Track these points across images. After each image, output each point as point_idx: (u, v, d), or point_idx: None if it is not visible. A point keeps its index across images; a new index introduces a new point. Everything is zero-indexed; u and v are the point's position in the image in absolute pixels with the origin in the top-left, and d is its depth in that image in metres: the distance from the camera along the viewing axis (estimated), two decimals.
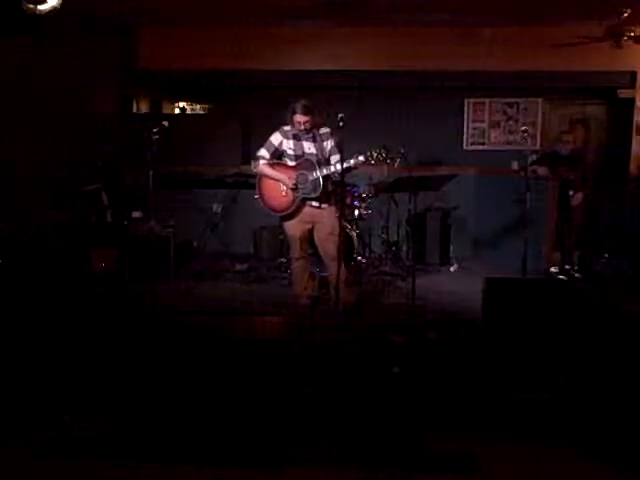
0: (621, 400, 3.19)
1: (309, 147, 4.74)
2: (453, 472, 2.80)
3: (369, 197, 6.28)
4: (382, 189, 6.21)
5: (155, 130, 4.95)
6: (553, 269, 6.38)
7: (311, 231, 4.89)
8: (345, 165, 4.54)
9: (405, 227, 6.78)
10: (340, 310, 4.65)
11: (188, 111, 8.81)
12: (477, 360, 3.70)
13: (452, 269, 6.75)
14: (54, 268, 5.06)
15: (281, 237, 6.51)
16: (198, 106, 8.84)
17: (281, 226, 6.26)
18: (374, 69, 7.29)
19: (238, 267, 6.57)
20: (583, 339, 3.67)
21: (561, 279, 6.18)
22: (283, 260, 6.37)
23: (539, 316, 3.83)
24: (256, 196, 4.96)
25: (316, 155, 4.73)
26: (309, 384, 3.43)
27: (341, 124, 4.31)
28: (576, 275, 6.26)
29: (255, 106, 7.57)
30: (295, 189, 4.73)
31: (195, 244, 7.07)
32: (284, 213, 4.85)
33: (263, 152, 4.82)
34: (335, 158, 4.68)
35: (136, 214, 6.29)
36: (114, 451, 2.94)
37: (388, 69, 7.26)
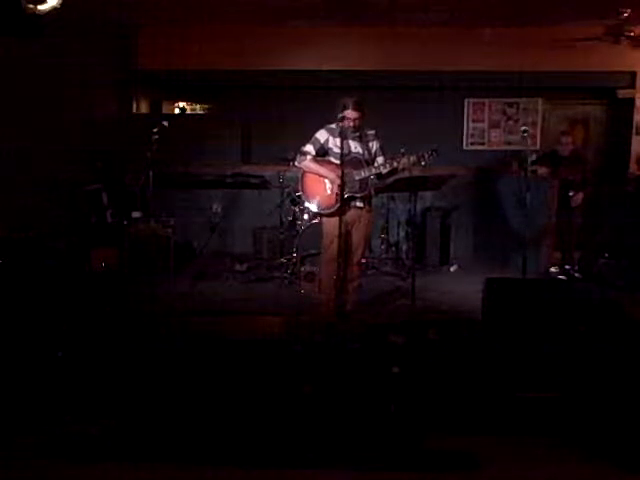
0: (622, 400, 3.19)
1: (355, 146, 4.61)
2: (453, 471, 2.80)
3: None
4: (382, 189, 6.20)
5: (155, 130, 4.95)
6: (553, 269, 6.38)
7: (348, 233, 4.70)
8: (395, 165, 4.50)
9: (405, 227, 6.78)
10: (342, 312, 4.65)
11: (188, 111, 8.81)
12: (477, 360, 3.69)
13: (452, 269, 6.75)
14: (54, 268, 5.05)
15: (281, 237, 6.52)
16: (198, 106, 8.85)
17: (288, 230, 6.25)
18: (374, 69, 7.30)
19: (238, 267, 6.57)
20: (583, 339, 3.67)
21: (561, 279, 6.18)
22: (283, 260, 6.37)
23: (539, 316, 3.83)
24: (298, 193, 4.82)
25: (362, 155, 4.60)
26: (309, 384, 3.43)
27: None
28: (576, 275, 6.26)
29: (255, 106, 7.57)
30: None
31: (195, 244, 7.06)
32: (328, 211, 4.67)
33: (309, 148, 4.65)
34: (380, 160, 4.63)
35: (136, 214, 6.29)
36: (114, 451, 2.94)
37: (388, 69, 7.27)
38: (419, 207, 6.37)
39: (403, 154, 4.52)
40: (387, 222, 6.65)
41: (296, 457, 2.88)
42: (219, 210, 7.11)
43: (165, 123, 5.10)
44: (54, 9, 4.02)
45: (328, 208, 4.66)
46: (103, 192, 6.30)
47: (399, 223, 6.80)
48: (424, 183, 5.68)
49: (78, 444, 2.97)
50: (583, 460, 2.85)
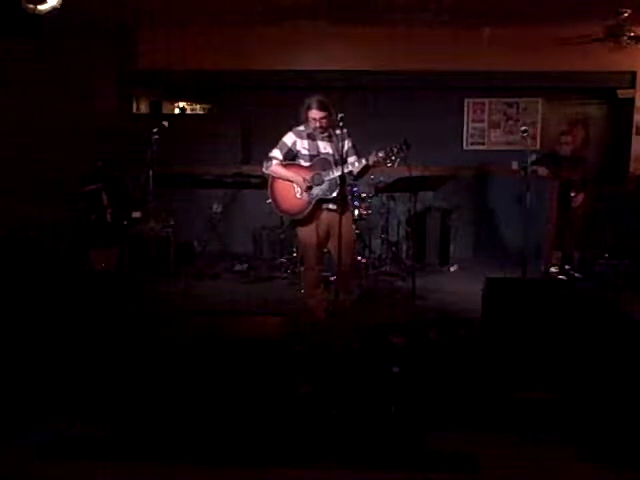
0: (621, 400, 3.19)
1: (325, 147, 4.51)
2: (453, 472, 2.79)
3: (369, 197, 6.28)
4: (382, 189, 6.21)
5: (155, 130, 4.95)
6: (553, 269, 6.38)
7: (327, 238, 4.61)
8: (364, 163, 4.37)
9: (405, 227, 6.78)
10: (340, 311, 4.64)
11: (188, 111, 8.82)
12: (477, 360, 3.70)
13: (452, 269, 6.75)
14: (54, 268, 5.05)
15: (282, 237, 6.53)
16: (198, 106, 8.86)
17: (288, 230, 6.25)
18: (374, 69, 7.29)
19: (238, 267, 6.57)
20: (583, 339, 3.67)
21: (561, 279, 6.18)
22: (283, 260, 6.37)
23: (539, 316, 3.83)
24: (268, 200, 4.68)
25: (332, 155, 4.47)
26: (309, 384, 3.43)
27: (341, 124, 4.27)
28: (576, 275, 6.26)
29: (255, 106, 7.57)
30: (310, 190, 4.49)
31: (195, 244, 7.07)
32: (298, 217, 4.58)
33: (275, 153, 4.57)
34: (352, 159, 4.48)
35: (136, 214, 6.29)
36: (114, 451, 2.94)
37: (388, 69, 7.26)
38: (419, 207, 6.38)
39: (396, 149, 4.35)
40: (387, 222, 6.65)
41: (296, 456, 2.88)
42: (219, 210, 7.11)
43: (165, 123, 5.10)
44: (54, 9, 4.03)
45: (300, 213, 4.55)
46: (103, 192, 6.30)
47: (399, 223, 6.80)
48: (424, 183, 5.69)
49: (78, 444, 2.97)
50: (583, 460, 2.85)
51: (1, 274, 4.64)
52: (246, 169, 7.33)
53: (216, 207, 7.08)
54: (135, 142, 5.66)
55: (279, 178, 4.60)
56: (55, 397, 3.33)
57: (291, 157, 4.61)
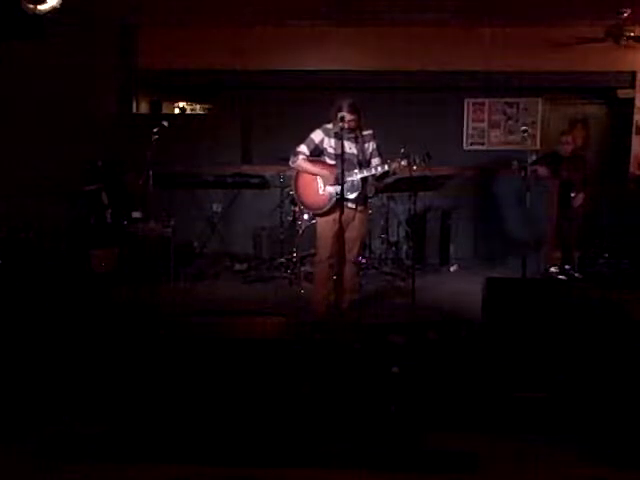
0: (621, 400, 3.19)
1: (350, 147, 4.58)
2: (453, 472, 2.80)
3: (369, 197, 6.27)
4: (382, 189, 6.20)
5: (155, 130, 4.95)
6: (553, 269, 6.37)
7: (341, 232, 4.68)
8: (386, 168, 4.49)
9: (405, 227, 6.78)
10: (337, 310, 4.65)
11: (188, 111, 8.81)
12: (477, 360, 3.69)
13: (452, 269, 6.74)
14: (54, 269, 5.05)
15: (281, 237, 6.52)
16: (198, 106, 8.85)
17: (288, 230, 6.25)
18: (374, 69, 7.30)
19: (238, 267, 6.57)
20: (583, 339, 3.67)
21: (561, 279, 6.18)
22: (283, 260, 6.36)
23: (539, 316, 3.83)
24: (291, 192, 4.83)
25: (357, 156, 4.60)
26: (309, 384, 3.43)
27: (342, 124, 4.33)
28: (576, 275, 6.26)
29: (255, 106, 7.57)
30: (334, 186, 4.57)
31: (195, 244, 7.06)
32: (319, 211, 4.71)
33: (303, 148, 4.67)
34: (376, 161, 4.61)
35: (136, 214, 6.28)
36: (114, 451, 2.94)
37: (388, 69, 7.26)
38: (419, 207, 6.39)
39: (403, 156, 4.49)
40: (387, 222, 6.64)
41: (295, 456, 2.88)
42: (219, 210, 7.11)
43: (165, 123, 5.10)
44: (54, 9, 4.03)
45: (320, 208, 4.66)
46: (103, 192, 6.29)
47: (399, 223, 6.79)
48: (424, 183, 5.70)
49: (78, 444, 2.97)
50: (583, 459, 2.85)
51: (1, 274, 4.64)
52: (246, 169, 7.33)
53: (216, 207, 7.08)
54: (135, 142, 5.66)
55: (304, 172, 4.71)
56: (54, 397, 3.33)
57: (317, 154, 4.70)
